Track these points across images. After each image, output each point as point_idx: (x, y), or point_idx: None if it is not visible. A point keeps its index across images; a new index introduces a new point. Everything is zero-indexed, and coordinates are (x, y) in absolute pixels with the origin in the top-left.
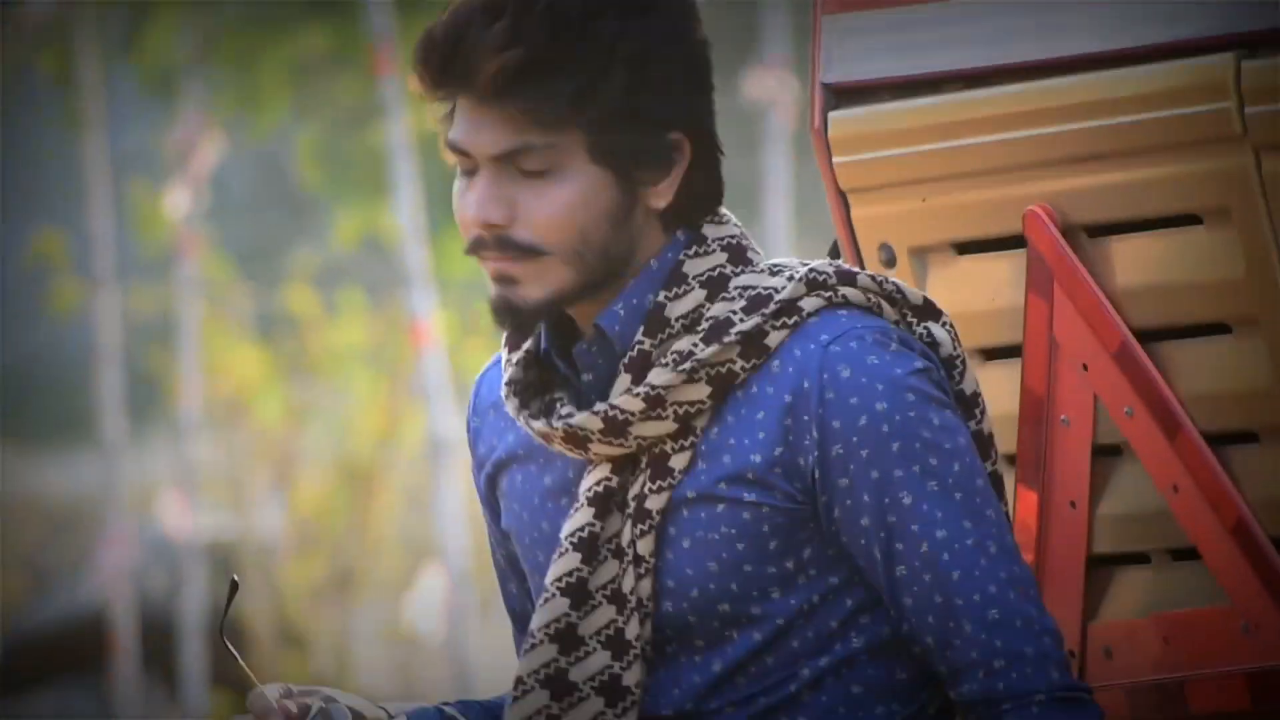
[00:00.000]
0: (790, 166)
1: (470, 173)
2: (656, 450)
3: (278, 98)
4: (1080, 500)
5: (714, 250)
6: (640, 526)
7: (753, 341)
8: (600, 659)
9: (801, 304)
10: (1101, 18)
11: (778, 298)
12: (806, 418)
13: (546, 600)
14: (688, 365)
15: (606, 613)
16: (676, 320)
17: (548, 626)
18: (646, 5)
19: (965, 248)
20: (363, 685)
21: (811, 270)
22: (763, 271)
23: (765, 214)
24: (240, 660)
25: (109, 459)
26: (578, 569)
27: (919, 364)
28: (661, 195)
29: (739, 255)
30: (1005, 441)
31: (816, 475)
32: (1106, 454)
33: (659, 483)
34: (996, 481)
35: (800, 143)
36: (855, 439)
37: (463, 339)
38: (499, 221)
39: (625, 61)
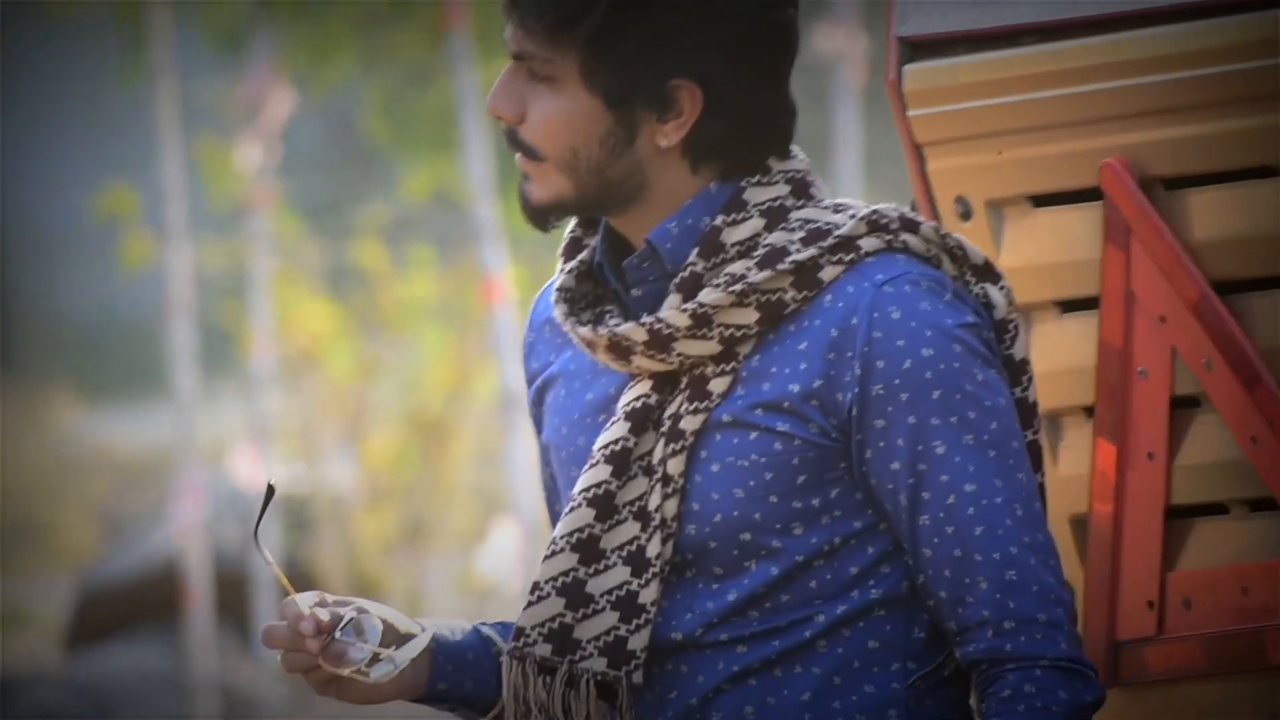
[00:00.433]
0: (860, 121)
1: None
2: (697, 372)
3: (345, 51)
4: (1159, 452)
5: (777, 181)
6: (673, 446)
7: (807, 273)
8: (619, 574)
9: (860, 243)
10: None
11: (837, 233)
12: (850, 354)
13: (572, 509)
14: (739, 287)
15: (630, 529)
16: (732, 246)
17: (570, 535)
18: None
19: (1041, 200)
20: None
21: (875, 211)
22: (826, 208)
23: (835, 169)
24: (273, 564)
25: (182, 412)
26: (606, 482)
27: (970, 318)
28: (667, 136)
29: (802, 189)
30: (1083, 394)
31: (854, 413)
32: (1185, 405)
33: (696, 404)
34: (1035, 451)
35: (869, 98)
36: (897, 381)
37: (533, 294)
38: (507, 116)
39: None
